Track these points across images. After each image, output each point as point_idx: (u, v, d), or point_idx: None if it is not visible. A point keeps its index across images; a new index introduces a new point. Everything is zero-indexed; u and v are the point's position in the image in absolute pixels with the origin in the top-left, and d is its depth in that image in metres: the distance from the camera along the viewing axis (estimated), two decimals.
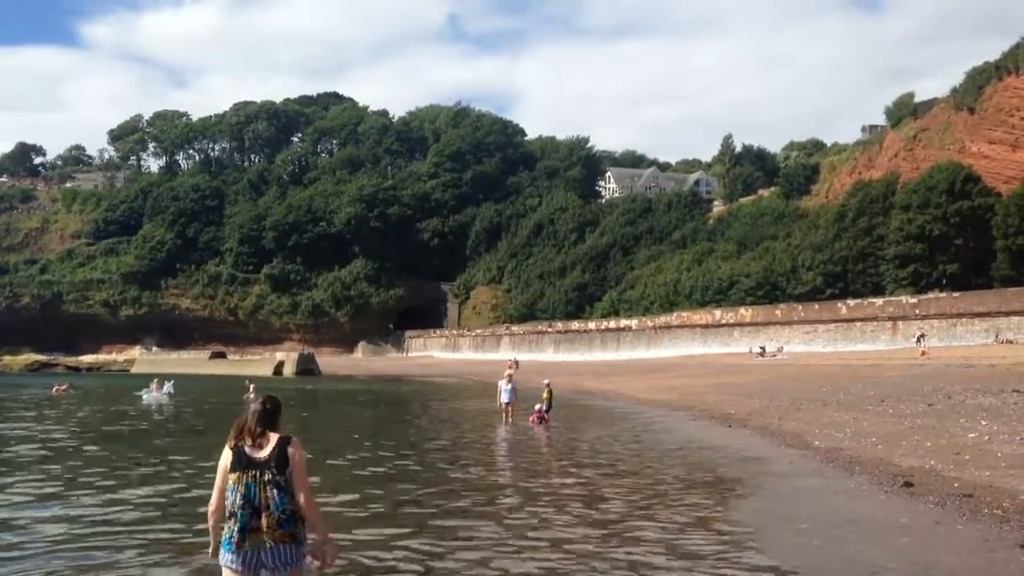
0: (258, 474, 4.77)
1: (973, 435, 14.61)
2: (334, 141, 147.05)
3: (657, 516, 10.23)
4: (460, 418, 27.49)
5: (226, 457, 4.89)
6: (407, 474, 14.31)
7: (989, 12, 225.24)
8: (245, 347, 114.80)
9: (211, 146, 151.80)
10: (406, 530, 9.50)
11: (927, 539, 8.59)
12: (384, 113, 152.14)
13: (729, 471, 13.65)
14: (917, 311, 54.06)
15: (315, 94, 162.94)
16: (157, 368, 74.14)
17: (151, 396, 36.05)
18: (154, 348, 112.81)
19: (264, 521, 4.72)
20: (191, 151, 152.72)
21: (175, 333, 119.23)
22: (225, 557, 4.79)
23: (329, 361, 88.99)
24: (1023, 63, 66.06)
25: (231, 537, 4.76)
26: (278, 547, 4.73)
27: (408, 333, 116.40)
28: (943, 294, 54.84)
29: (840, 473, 12.77)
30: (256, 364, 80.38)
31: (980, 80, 72.39)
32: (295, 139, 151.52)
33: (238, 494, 4.76)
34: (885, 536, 8.77)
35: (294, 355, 77.58)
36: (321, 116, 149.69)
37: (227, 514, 4.81)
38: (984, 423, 15.82)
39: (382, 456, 16.68)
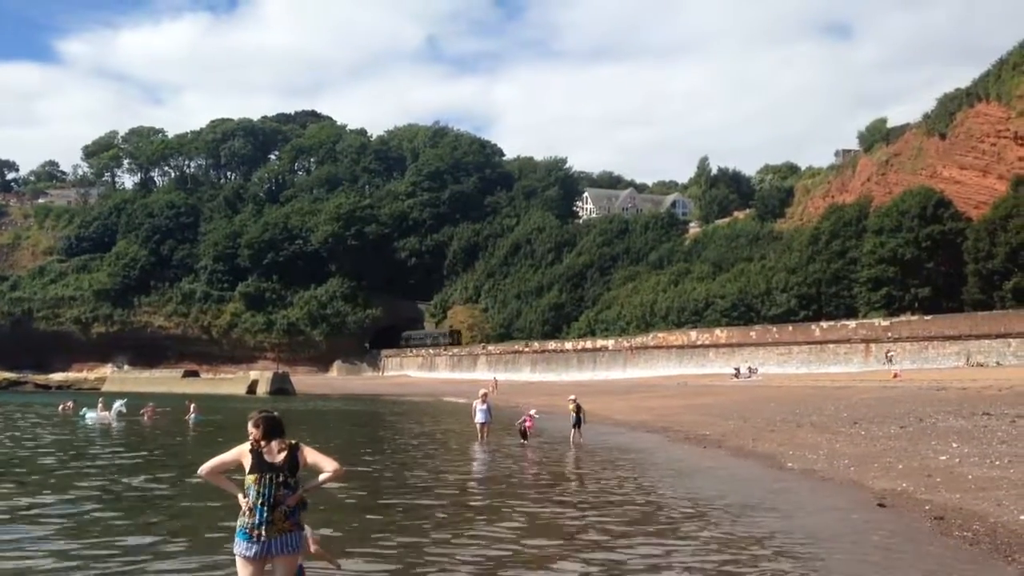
0: (274, 476, 5.72)
1: (944, 457, 14.75)
2: (311, 159, 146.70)
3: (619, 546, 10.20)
4: (435, 438, 27.34)
5: (246, 457, 5.78)
6: (378, 497, 14.18)
7: (960, 40, 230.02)
8: (219, 366, 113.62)
9: (187, 163, 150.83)
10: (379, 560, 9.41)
11: (898, 560, 8.63)
12: (362, 132, 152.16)
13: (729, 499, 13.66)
14: (889, 334, 54.63)
15: (293, 112, 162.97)
16: (128, 387, 73.14)
17: (96, 416, 34.17)
18: (126, 366, 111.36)
19: (277, 515, 5.67)
20: (166, 168, 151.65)
21: (147, 351, 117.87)
22: (241, 546, 5.68)
23: (304, 380, 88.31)
24: (994, 90, 67.32)
25: (249, 529, 5.65)
26: (287, 536, 5.71)
27: (384, 352, 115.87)
28: (915, 317, 55.47)
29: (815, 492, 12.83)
30: (230, 383, 79.53)
31: (951, 106, 73.64)
32: (272, 157, 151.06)
33: (257, 493, 5.68)
34: (857, 555, 8.80)
35: (268, 374, 76.83)
36: (299, 134, 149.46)
37: (245, 509, 5.69)
38: (955, 445, 15.98)
39: (355, 474, 16.51)
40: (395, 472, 17.51)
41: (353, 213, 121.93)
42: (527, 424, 23.48)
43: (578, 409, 23.85)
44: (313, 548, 6.19)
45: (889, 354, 51.24)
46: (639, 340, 76.32)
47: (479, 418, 24.16)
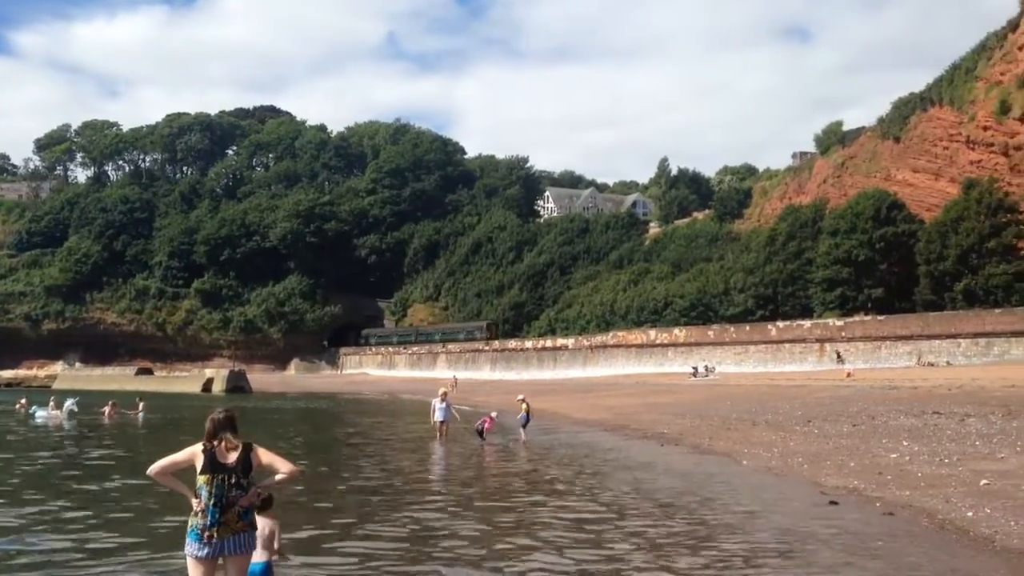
0: (226, 477, 5.67)
1: (895, 455, 15.00)
2: (270, 155, 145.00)
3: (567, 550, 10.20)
4: (393, 437, 27.16)
5: (198, 457, 5.72)
6: (334, 496, 14.03)
7: (914, 45, 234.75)
8: (173, 363, 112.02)
9: (142, 157, 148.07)
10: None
11: (848, 556, 8.73)
12: (322, 128, 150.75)
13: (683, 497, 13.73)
14: (843, 333, 55.50)
15: (251, 107, 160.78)
16: (80, 385, 71.68)
17: (47, 415, 33.31)
18: (77, 364, 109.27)
19: (230, 516, 5.63)
20: (121, 162, 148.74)
21: (100, 349, 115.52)
22: (192, 547, 5.62)
23: (260, 378, 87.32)
24: (947, 95, 68.75)
25: (201, 530, 5.59)
26: (240, 536, 5.68)
27: (343, 350, 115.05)
28: (868, 317, 56.40)
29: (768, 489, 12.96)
30: (184, 381, 78.37)
31: (905, 111, 75.09)
32: (230, 152, 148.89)
33: (209, 494, 5.63)
34: (807, 551, 8.90)
35: (224, 372, 75.83)
36: (257, 130, 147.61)
37: (197, 510, 5.63)
38: (905, 444, 16.26)
39: (312, 474, 16.33)
40: (352, 471, 17.35)
41: (312, 210, 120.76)
42: (486, 425, 23.52)
43: (527, 408, 24.13)
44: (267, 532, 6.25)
45: (839, 353, 52.06)
46: (599, 339, 76.67)
47: (438, 416, 24.15)
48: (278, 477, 5.91)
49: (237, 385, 69.20)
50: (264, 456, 5.91)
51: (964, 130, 64.65)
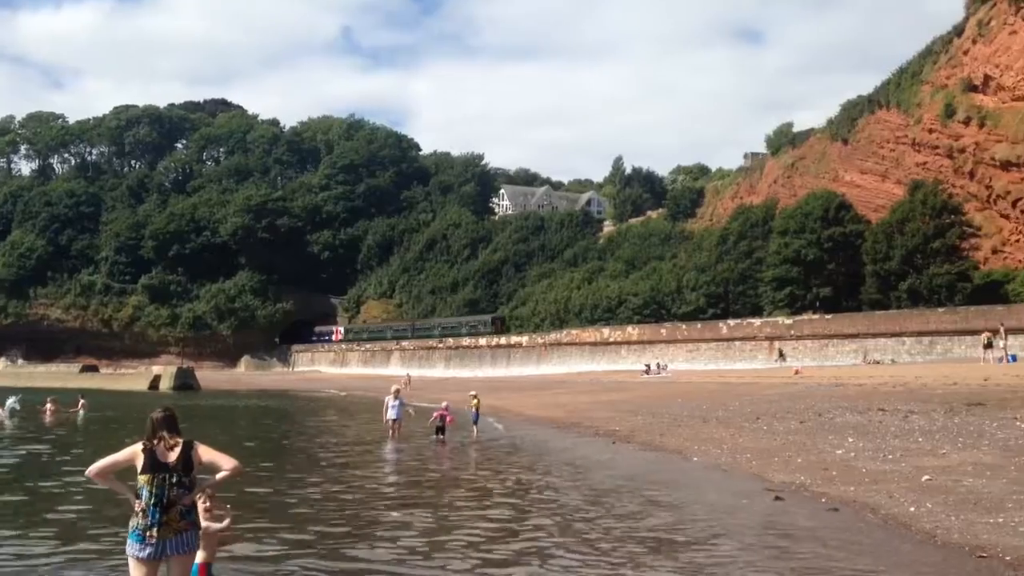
0: (167, 476, 5.60)
1: (840, 452, 15.23)
2: (221, 149, 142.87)
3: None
4: (345, 435, 26.89)
5: (138, 456, 5.64)
6: (282, 495, 13.83)
7: (863, 49, 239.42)
8: (119, 360, 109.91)
9: (88, 150, 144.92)
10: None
11: (791, 551, 8.82)
12: (275, 122, 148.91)
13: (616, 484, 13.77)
14: (792, 332, 56.36)
15: (202, 100, 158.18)
16: (22, 382, 69.73)
17: None
18: (20, 360, 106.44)
19: (172, 515, 5.56)
20: (67, 155, 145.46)
21: (43, 345, 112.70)
22: (134, 547, 5.56)
23: (210, 376, 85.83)
24: (894, 98, 70.22)
25: (142, 531, 5.53)
26: (182, 536, 5.60)
27: (295, 347, 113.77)
28: (816, 316, 57.33)
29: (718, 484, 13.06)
30: (131, 378, 76.74)
31: (853, 113, 76.55)
32: (179, 146, 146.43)
33: (150, 493, 5.55)
34: (751, 545, 8.97)
35: (172, 369, 74.27)
36: (208, 123, 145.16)
37: (138, 510, 5.56)
38: (851, 440, 16.52)
39: (259, 477, 16.07)
40: (302, 470, 17.12)
41: (264, 205, 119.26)
42: (448, 420, 23.23)
43: (477, 404, 24.17)
44: (222, 525, 6.26)
45: (782, 351, 52.86)
46: (553, 337, 76.89)
47: (391, 415, 23.95)
48: (220, 475, 5.83)
49: (185, 383, 67.84)
50: (205, 454, 5.84)
51: (910, 133, 66.11)
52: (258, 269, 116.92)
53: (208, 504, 6.29)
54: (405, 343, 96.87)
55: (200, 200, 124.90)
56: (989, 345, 38.94)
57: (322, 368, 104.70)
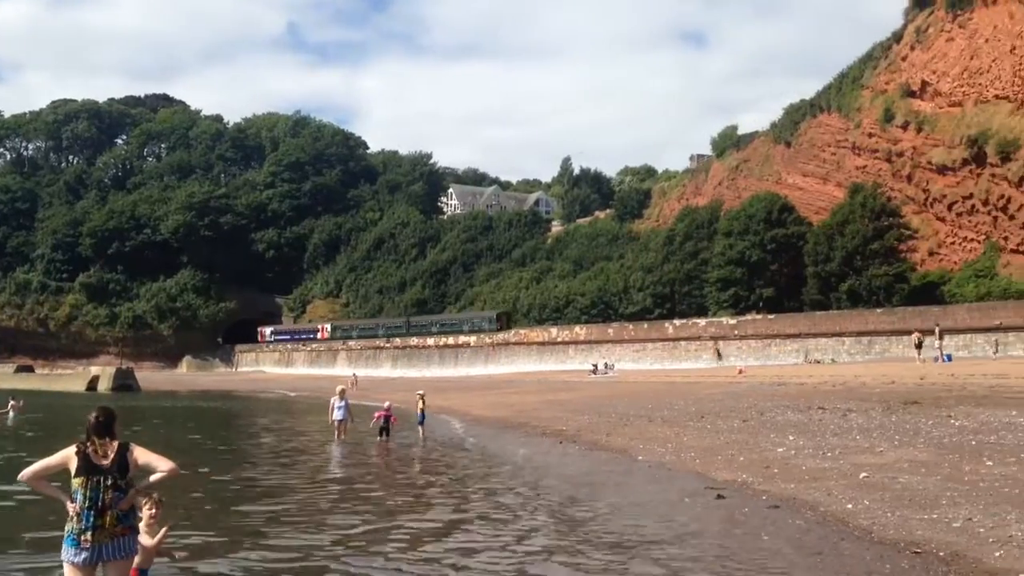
0: (102, 479, 5.48)
1: (782, 449, 15.44)
2: (162, 145, 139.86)
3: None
4: (289, 437, 26.49)
5: (72, 459, 5.52)
6: (223, 499, 13.53)
7: (805, 54, 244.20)
8: (56, 360, 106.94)
9: (24, 145, 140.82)
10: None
11: (734, 550, 8.88)
12: (218, 118, 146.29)
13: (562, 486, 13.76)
14: (736, 332, 57.21)
15: (143, 95, 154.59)
16: None
17: None
18: None
19: (107, 519, 5.44)
20: (1, 150, 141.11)
21: None
22: (68, 552, 5.44)
23: (150, 376, 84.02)
24: (835, 102, 71.73)
25: (77, 535, 5.42)
26: (119, 540, 5.48)
27: (238, 347, 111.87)
28: (759, 316, 58.26)
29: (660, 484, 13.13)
30: (68, 379, 74.62)
31: (796, 116, 78.02)
32: (119, 141, 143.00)
33: (84, 497, 5.44)
34: (695, 546, 9.01)
35: (110, 370, 72.49)
36: (149, 118, 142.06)
37: (72, 514, 5.44)
38: (792, 438, 16.76)
39: (200, 475, 15.72)
40: (244, 473, 16.79)
41: (207, 202, 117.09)
42: (393, 420, 23.08)
43: (423, 405, 24.05)
44: (155, 539, 6.05)
45: (719, 351, 53.64)
46: (501, 337, 76.89)
47: (337, 416, 23.63)
48: (155, 476, 5.71)
49: (124, 383, 66.26)
50: (141, 456, 5.71)
51: (850, 136, 67.58)
52: (200, 267, 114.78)
53: (154, 512, 6.08)
54: (352, 343, 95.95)
55: (140, 197, 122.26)
56: (920, 345, 40.07)
57: (266, 368, 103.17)
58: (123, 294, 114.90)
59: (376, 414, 23.45)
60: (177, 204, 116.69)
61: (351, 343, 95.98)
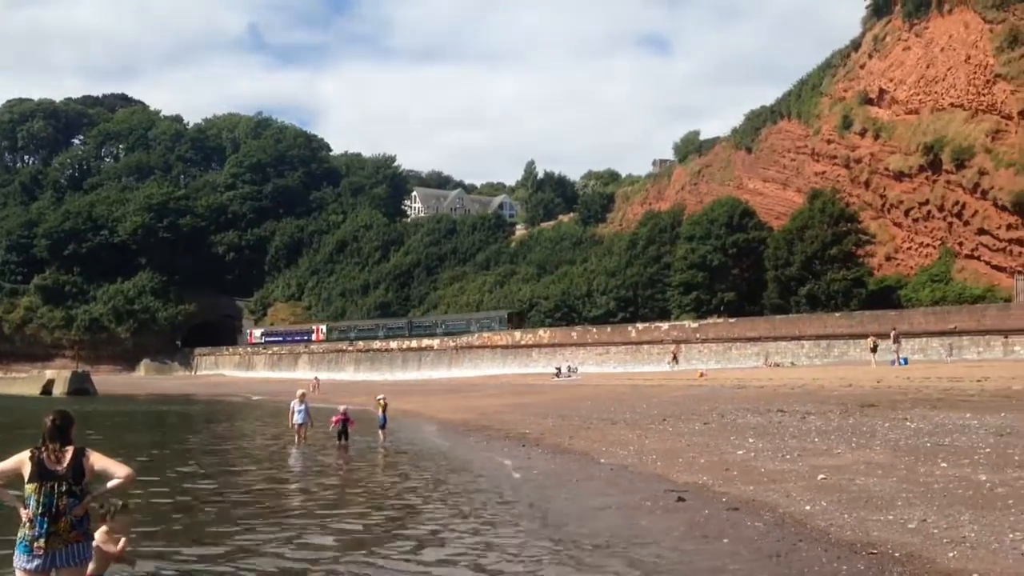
0: (56, 485, 5.37)
1: (741, 452, 15.57)
2: (120, 145, 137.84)
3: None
4: (249, 441, 26.17)
5: (25, 465, 5.41)
6: (182, 505, 13.32)
7: (766, 60, 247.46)
8: (10, 364, 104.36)
9: None
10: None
11: (693, 553, 8.93)
12: (178, 119, 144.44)
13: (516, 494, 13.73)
14: (698, 335, 57.67)
15: (100, 95, 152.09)
16: None
17: None
18: None
19: (61, 525, 5.34)
20: None
21: None
22: (21, 559, 5.35)
23: (107, 380, 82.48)
24: (795, 109, 72.77)
25: (30, 542, 5.33)
26: (72, 547, 5.38)
27: (198, 350, 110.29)
28: (720, 320, 58.80)
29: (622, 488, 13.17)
30: (22, 383, 72.98)
31: (757, 122, 79.04)
32: (76, 141, 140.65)
33: (37, 503, 5.34)
34: (654, 550, 9.05)
35: (66, 373, 70.99)
36: (107, 118, 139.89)
37: (25, 520, 5.34)
38: (751, 440, 16.92)
39: (159, 481, 15.46)
40: (201, 478, 16.55)
41: (166, 204, 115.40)
42: (351, 423, 22.98)
43: (384, 408, 23.94)
44: (117, 548, 5.98)
45: (675, 355, 54.05)
46: (464, 340, 76.74)
47: (296, 419, 23.45)
48: (112, 483, 5.61)
49: (80, 387, 64.98)
50: (97, 461, 5.61)
51: (810, 143, 68.61)
52: (159, 269, 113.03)
53: (107, 528, 5.96)
54: (314, 346, 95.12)
55: (98, 198, 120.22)
56: (875, 349, 40.79)
57: (226, 372, 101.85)
58: (80, 296, 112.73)
59: (333, 418, 23.33)
60: (135, 205, 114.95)
61: (313, 346, 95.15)
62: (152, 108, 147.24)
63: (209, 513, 12.32)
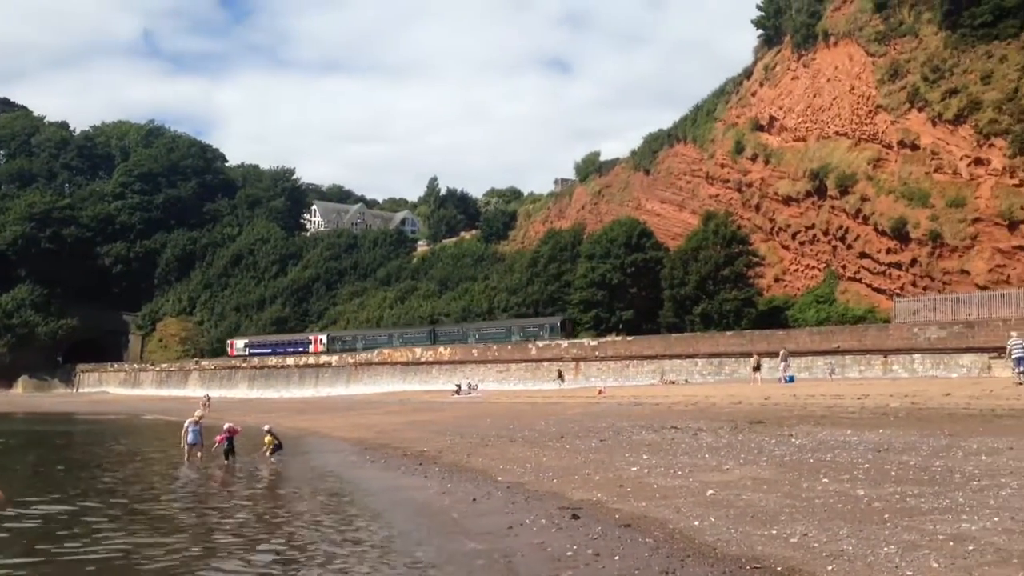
0: None
1: (635, 468, 15.80)
2: (1, 152, 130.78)
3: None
4: (133, 462, 25.05)
5: None
6: (59, 529, 12.60)
7: (664, 85, 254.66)
8: None
9: None
10: None
11: (587, 571, 8.98)
12: (64, 125, 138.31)
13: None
14: (597, 353, 58.43)
15: None
16: None
17: None
18: None
19: None
20: None
21: None
22: None
23: None
24: (690, 133, 75.04)
25: None
26: None
27: (80, 367, 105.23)
28: (619, 338, 59.74)
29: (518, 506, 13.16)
30: None
31: (655, 145, 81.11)
32: None
33: None
34: (549, 568, 9.05)
35: None
36: None
37: None
38: (645, 457, 17.20)
39: (27, 507, 14.60)
40: (78, 500, 15.71)
41: (49, 213, 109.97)
42: (237, 432, 22.70)
43: (275, 438, 23.65)
44: None
45: (560, 372, 54.83)
46: (364, 356, 75.70)
47: (190, 439, 23.25)
48: None
49: None
50: None
51: (704, 166, 70.82)
52: (40, 282, 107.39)
53: None
54: (204, 362, 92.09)
55: None
56: (758, 368, 42.29)
57: (111, 389, 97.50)
58: None
59: (218, 438, 22.90)
60: (16, 214, 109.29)
61: (204, 362, 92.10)
62: (36, 113, 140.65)
63: (77, 536, 11.70)
